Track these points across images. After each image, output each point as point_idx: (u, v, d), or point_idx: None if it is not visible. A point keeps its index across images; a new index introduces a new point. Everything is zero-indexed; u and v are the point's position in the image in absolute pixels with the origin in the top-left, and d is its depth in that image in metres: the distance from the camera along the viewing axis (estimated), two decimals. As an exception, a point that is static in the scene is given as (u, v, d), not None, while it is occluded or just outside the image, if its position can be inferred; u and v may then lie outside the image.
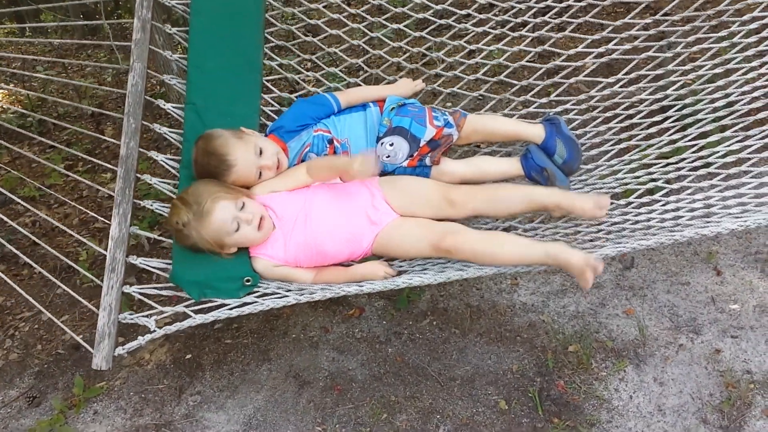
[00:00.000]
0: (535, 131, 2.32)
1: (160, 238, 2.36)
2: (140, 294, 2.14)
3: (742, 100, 2.29)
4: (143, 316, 2.07)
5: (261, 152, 2.13)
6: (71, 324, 2.87)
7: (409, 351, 2.57)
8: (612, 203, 2.17)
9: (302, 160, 2.27)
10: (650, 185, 2.25)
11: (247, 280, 2.03)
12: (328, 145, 2.27)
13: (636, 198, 2.21)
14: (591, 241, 2.09)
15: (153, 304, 2.08)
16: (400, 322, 2.70)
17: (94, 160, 2.47)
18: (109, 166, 2.39)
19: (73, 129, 2.86)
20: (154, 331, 2.04)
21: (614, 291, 2.68)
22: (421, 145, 2.22)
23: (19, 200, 2.37)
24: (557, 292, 2.73)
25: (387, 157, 2.22)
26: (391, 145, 2.22)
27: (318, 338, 2.67)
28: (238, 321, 2.78)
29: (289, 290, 2.01)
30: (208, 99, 2.30)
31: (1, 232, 3.32)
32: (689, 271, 2.70)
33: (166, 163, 2.29)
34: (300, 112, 2.32)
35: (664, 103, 2.41)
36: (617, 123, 2.43)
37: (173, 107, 2.35)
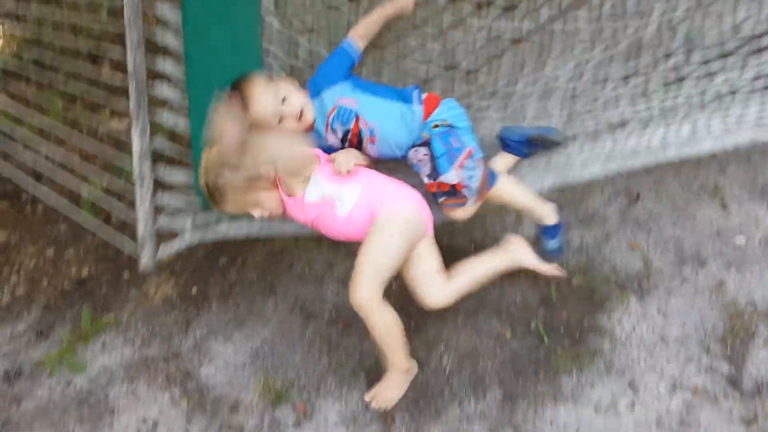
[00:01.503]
0: (548, 213, 2.39)
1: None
2: (170, 203, 2.39)
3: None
4: (177, 221, 2.36)
5: (284, 100, 2.12)
6: (76, 258, 2.88)
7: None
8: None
9: (330, 127, 2.27)
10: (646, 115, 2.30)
11: None
12: (353, 121, 2.24)
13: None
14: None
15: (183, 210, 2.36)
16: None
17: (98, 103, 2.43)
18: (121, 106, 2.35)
19: (70, 67, 2.82)
20: (188, 233, 2.34)
21: (619, 225, 2.67)
22: (438, 180, 2.21)
23: (18, 139, 2.39)
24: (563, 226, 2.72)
25: (418, 160, 2.27)
26: (425, 154, 2.24)
27: (323, 272, 2.68)
28: (243, 255, 2.79)
29: None
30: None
31: (3, 169, 3.30)
32: (695, 205, 2.69)
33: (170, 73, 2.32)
34: (328, 70, 2.32)
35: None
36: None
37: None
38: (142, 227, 2.36)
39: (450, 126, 2.26)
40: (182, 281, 2.74)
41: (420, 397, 2.26)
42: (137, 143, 2.27)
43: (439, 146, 2.21)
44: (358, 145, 2.29)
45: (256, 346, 2.47)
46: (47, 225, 3.06)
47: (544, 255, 2.40)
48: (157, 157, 2.36)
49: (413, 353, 2.33)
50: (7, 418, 2.36)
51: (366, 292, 1.94)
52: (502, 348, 2.32)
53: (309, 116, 2.22)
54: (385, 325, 2.01)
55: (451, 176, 2.19)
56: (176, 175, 2.37)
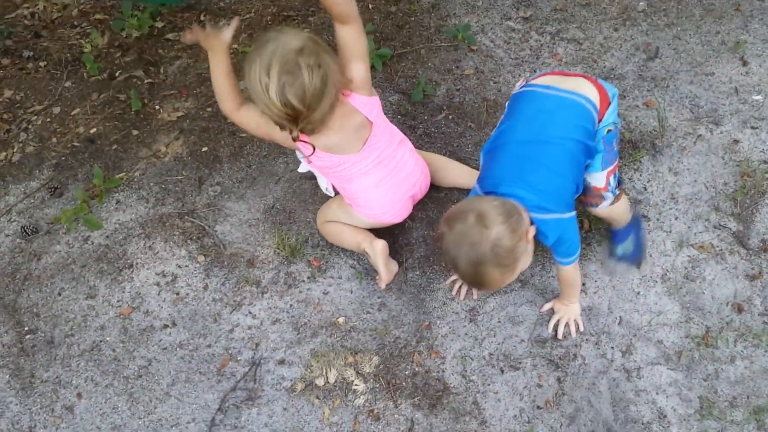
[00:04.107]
0: (627, 219, 2.15)
1: None
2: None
3: None
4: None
5: None
6: (83, 117, 2.85)
7: (424, 145, 2.57)
8: None
9: None
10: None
11: None
12: None
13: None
14: None
15: None
16: (415, 116, 2.66)
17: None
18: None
19: None
20: None
21: (636, 82, 2.61)
22: (586, 184, 1.99)
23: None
24: (577, 84, 2.66)
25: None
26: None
27: (333, 131, 2.65)
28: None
29: None
30: None
31: (1, 25, 3.19)
32: (714, 61, 2.61)
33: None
34: None
35: None
36: None
37: None
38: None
39: (616, 125, 1.97)
40: (192, 140, 2.72)
41: (431, 253, 2.32)
42: None
43: (600, 144, 1.93)
44: None
45: (269, 204, 2.50)
46: (51, 82, 2.99)
47: (617, 261, 2.20)
48: None
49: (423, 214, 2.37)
50: (28, 272, 2.43)
51: (318, 220, 2.37)
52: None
53: None
54: (328, 234, 2.34)
55: (599, 178, 1.97)
56: None
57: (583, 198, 2.03)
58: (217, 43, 1.89)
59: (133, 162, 2.69)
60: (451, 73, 2.79)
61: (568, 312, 2.09)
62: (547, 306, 2.14)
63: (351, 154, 2.02)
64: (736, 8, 2.76)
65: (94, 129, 2.81)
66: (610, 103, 1.92)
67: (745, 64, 2.60)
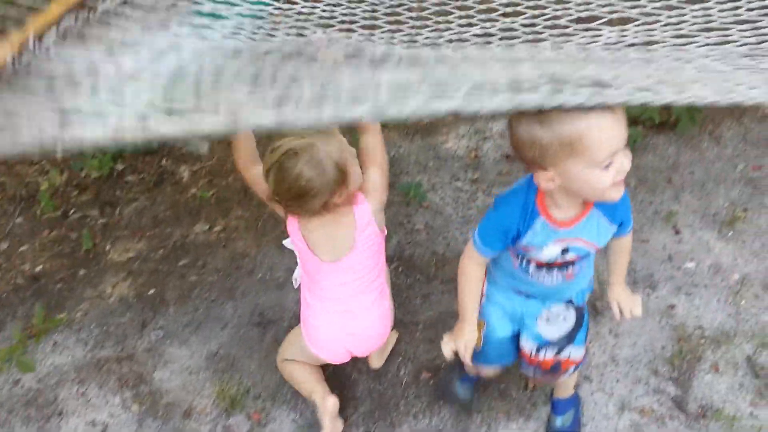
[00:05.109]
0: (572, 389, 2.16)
1: None
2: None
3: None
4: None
5: None
6: (31, 254, 2.82)
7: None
8: None
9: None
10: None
11: None
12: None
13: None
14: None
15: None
16: (365, 266, 2.71)
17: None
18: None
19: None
20: None
21: (577, 245, 2.74)
22: (557, 355, 1.87)
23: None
24: (522, 244, 2.78)
25: (561, 317, 1.86)
26: (573, 316, 1.85)
27: (284, 279, 2.67)
28: (204, 258, 2.77)
29: None
30: None
31: (-43, 157, 3.21)
32: (649, 229, 2.77)
33: None
34: None
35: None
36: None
37: None
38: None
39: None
40: (139, 282, 2.70)
41: (376, 408, 2.28)
42: None
43: (587, 315, 1.85)
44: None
45: (212, 351, 2.45)
46: (2, 218, 2.98)
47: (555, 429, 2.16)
48: None
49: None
50: (-50, 415, 2.30)
51: (279, 355, 2.26)
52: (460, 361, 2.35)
53: None
54: (284, 372, 2.25)
55: (579, 352, 1.87)
56: None
57: (545, 379, 2.04)
58: None
59: (77, 302, 2.64)
60: (403, 226, 2.88)
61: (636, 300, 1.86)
62: (614, 307, 1.86)
63: (323, 260, 1.95)
64: (668, 181, 2.97)
65: (41, 266, 2.77)
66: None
67: (677, 233, 2.76)
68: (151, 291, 2.67)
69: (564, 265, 1.65)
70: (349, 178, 1.81)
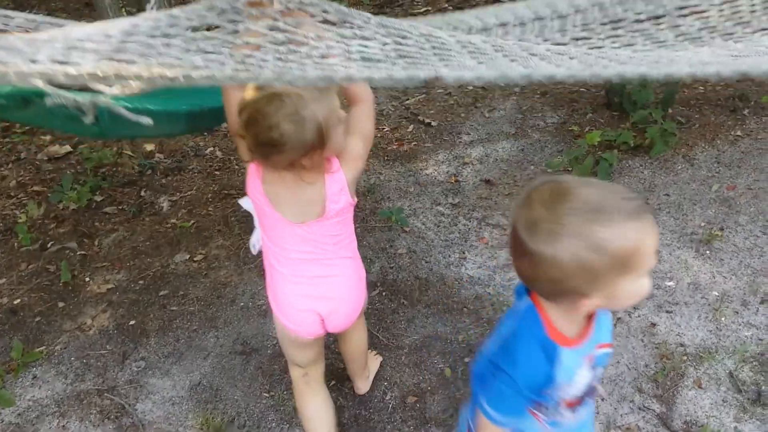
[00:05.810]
0: None
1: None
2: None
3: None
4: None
5: None
6: (8, 287, 2.78)
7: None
8: None
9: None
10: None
11: None
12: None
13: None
14: None
15: None
16: (349, 292, 2.71)
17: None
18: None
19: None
20: None
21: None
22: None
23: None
24: (503, 266, 2.79)
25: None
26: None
27: (266, 307, 2.66)
28: (185, 288, 2.75)
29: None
30: None
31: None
32: (629, 249, 2.80)
33: None
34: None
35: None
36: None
37: None
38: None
39: None
40: (120, 313, 2.67)
41: (362, 434, 2.26)
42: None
43: None
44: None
45: (195, 381, 2.42)
46: (-21, 251, 2.94)
47: None
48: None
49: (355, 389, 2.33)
50: (-76, 454, 2.23)
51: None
52: (443, 385, 2.34)
53: None
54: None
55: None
56: None
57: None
58: None
59: (56, 335, 2.59)
60: (385, 251, 2.89)
61: None
62: None
63: (287, 219, 1.78)
64: (645, 202, 3.02)
65: (18, 300, 2.73)
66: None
67: (655, 252, 2.79)
68: (132, 322, 2.63)
69: (593, 390, 1.39)
70: (328, 143, 1.65)
